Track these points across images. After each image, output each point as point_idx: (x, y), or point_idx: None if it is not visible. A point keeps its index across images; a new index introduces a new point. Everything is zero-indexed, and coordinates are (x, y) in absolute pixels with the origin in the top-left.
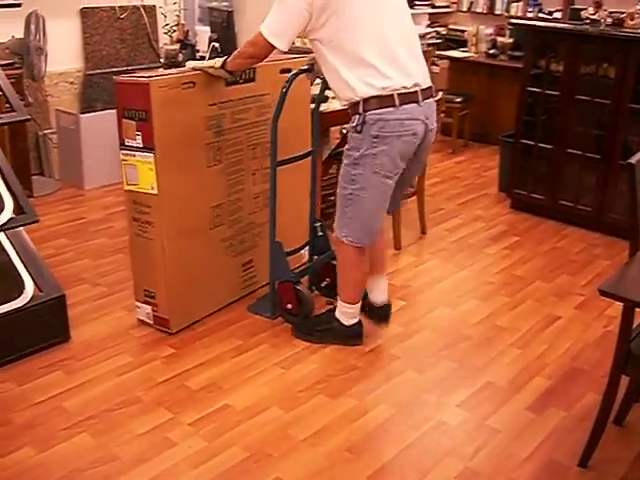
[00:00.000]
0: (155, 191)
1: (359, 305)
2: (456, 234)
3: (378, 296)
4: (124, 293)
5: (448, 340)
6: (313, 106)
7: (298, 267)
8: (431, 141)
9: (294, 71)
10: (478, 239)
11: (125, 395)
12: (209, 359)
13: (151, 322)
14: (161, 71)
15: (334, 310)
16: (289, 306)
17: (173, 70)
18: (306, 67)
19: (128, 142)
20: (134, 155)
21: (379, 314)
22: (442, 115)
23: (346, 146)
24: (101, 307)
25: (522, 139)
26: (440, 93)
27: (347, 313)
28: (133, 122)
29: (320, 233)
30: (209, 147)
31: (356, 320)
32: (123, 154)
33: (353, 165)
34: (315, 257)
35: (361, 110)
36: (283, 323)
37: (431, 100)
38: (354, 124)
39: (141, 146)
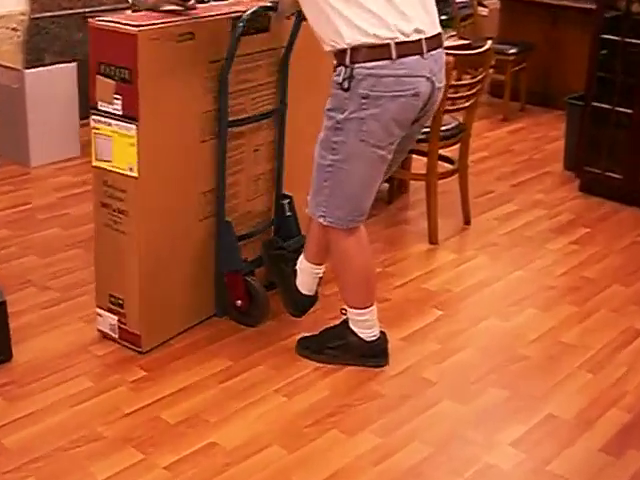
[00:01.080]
0: (135, 173)
1: (374, 310)
2: (509, 224)
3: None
4: (82, 299)
5: (498, 361)
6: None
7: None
8: (437, 102)
9: (252, 9)
10: (537, 231)
11: (83, 430)
12: (190, 384)
13: (116, 336)
14: (148, 15)
15: (349, 321)
16: (238, 303)
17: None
18: (269, 4)
19: (102, 106)
20: (109, 124)
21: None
22: (491, 71)
23: (327, 105)
24: (52, 317)
25: (595, 102)
26: (489, 42)
27: (360, 322)
28: (111, 82)
29: (288, 213)
30: (206, 116)
31: (377, 332)
32: (95, 121)
33: (335, 130)
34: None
35: (348, 61)
36: (286, 339)
37: (440, 51)
38: (339, 79)
39: (120, 113)
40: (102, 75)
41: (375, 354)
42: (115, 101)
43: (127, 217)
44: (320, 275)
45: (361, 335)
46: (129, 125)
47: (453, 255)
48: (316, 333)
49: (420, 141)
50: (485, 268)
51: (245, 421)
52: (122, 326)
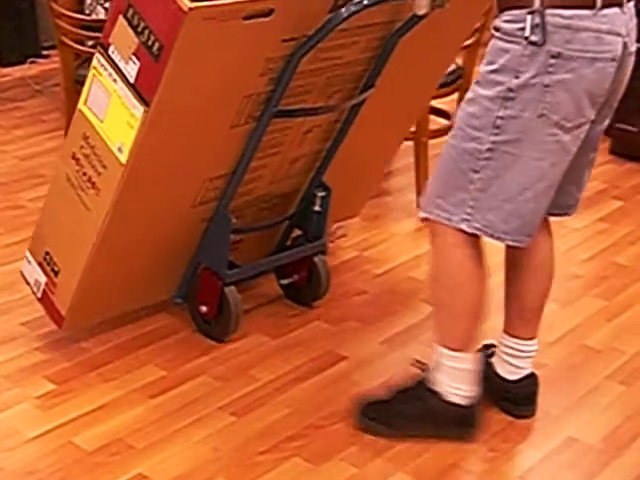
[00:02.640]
0: (123, 157)
1: (474, 357)
2: None
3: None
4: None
5: None
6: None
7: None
8: (629, 73)
9: None
10: None
11: None
12: (112, 400)
13: (38, 295)
14: None
15: (425, 381)
16: (203, 308)
17: None
18: None
19: (113, 52)
20: (114, 80)
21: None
22: None
23: (487, 65)
24: None
25: None
26: None
27: (451, 371)
28: (135, 38)
29: (317, 208)
30: (247, 100)
31: (468, 392)
32: (98, 61)
33: (503, 100)
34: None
35: (538, 4)
36: (235, 342)
37: (632, 4)
38: (519, 27)
39: (131, 81)
40: (127, 21)
41: (463, 421)
42: (131, 63)
43: (97, 196)
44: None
45: (445, 392)
46: (136, 103)
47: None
48: (384, 397)
49: None
50: (489, 252)
51: (182, 447)
52: (48, 293)
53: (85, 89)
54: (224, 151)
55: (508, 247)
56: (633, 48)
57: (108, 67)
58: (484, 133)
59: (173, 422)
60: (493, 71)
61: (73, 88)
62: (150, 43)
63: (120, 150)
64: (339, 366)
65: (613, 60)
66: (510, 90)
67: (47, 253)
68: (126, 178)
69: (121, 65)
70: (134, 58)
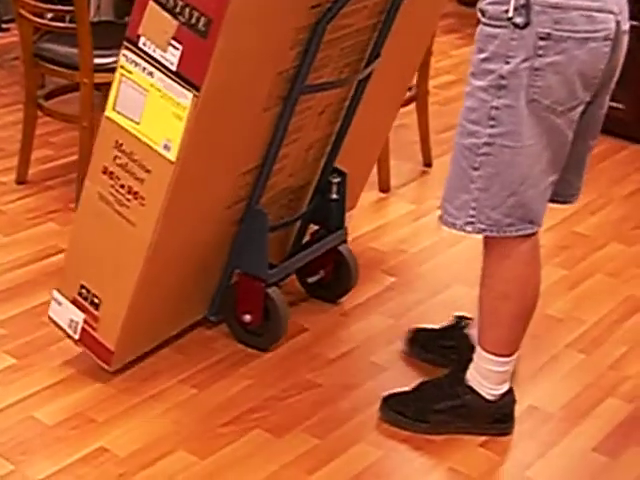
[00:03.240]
0: (171, 155)
1: (515, 360)
2: None
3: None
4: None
5: None
6: None
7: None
8: (624, 53)
9: None
10: None
11: None
12: (72, 373)
13: (75, 336)
14: None
15: (462, 372)
16: (247, 317)
17: None
18: None
19: (144, 44)
20: (150, 74)
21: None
22: None
23: (479, 54)
24: None
25: None
26: None
27: (495, 376)
28: (173, 21)
29: (334, 195)
30: (280, 78)
31: (506, 388)
32: (127, 58)
33: (497, 89)
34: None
35: None
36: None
37: None
38: (503, 9)
39: (173, 69)
40: (159, 5)
41: (502, 418)
42: (171, 49)
43: (141, 206)
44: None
45: (483, 393)
46: (183, 91)
47: (409, 206)
48: (409, 389)
49: None
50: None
51: (143, 420)
52: (88, 330)
53: (112, 93)
54: (256, 139)
55: None
56: (626, 26)
57: (141, 62)
58: (481, 127)
59: (134, 395)
60: (484, 59)
61: (32, 62)
62: (194, 21)
63: (167, 147)
64: (300, 338)
65: (607, 39)
66: (502, 77)
67: (82, 287)
68: (177, 177)
69: (157, 55)
70: (174, 43)
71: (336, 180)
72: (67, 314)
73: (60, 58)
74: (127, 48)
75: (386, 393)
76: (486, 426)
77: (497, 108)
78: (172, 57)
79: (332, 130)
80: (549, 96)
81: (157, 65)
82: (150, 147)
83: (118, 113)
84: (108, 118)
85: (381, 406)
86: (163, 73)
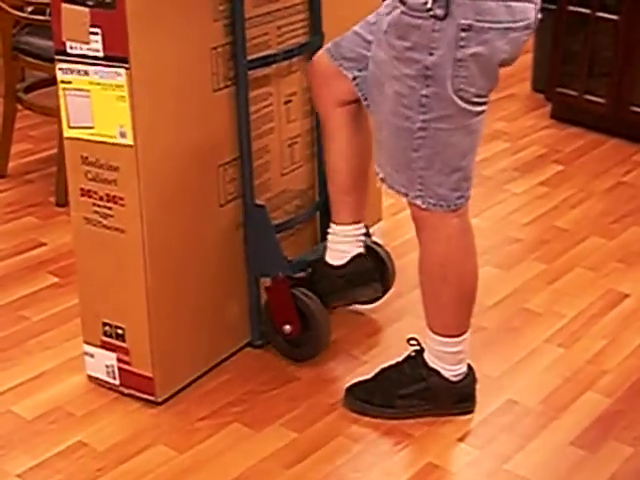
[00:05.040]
0: (129, 140)
1: (468, 338)
2: None
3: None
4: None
5: None
6: None
7: None
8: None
9: None
10: (498, 169)
11: None
12: (51, 368)
13: (116, 382)
14: None
15: (421, 353)
16: (287, 328)
17: None
18: None
19: (73, 48)
20: (86, 73)
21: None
22: None
23: (401, 41)
24: None
25: (570, 5)
26: None
27: (450, 356)
28: (84, 9)
29: None
30: (217, 54)
31: (464, 369)
32: (63, 71)
33: (423, 78)
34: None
35: None
36: None
37: None
38: (422, 1)
39: (101, 55)
40: (69, 2)
41: (465, 397)
42: (92, 38)
43: (122, 207)
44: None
45: (446, 374)
46: (116, 70)
47: (389, 200)
48: (370, 377)
49: None
50: None
51: (122, 414)
52: (124, 367)
53: (63, 113)
54: (220, 126)
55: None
56: (539, 15)
57: (75, 66)
58: (413, 112)
59: (112, 390)
60: (408, 48)
61: (11, 55)
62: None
63: (123, 135)
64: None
65: (527, 28)
66: (427, 68)
67: (105, 325)
68: (142, 161)
69: (84, 51)
70: (93, 29)
71: None
72: (101, 362)
73: (40, 51)
74: (59, 60)
75: (349, 383)
76: (450, 406)
77: (427, 96)
78: (96, 44)
79: (312, 125)
80: (473, 85)
81: (88, 61)
82: (109, 143)
83: (74, 128)
84: (68, 138)
85: (345, 396)
86: (95, 65)
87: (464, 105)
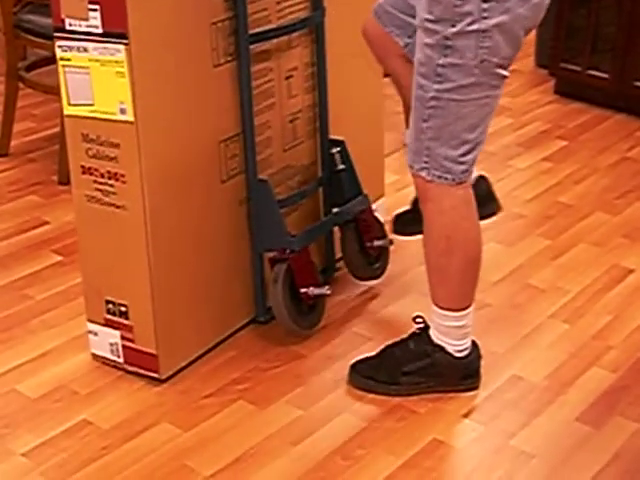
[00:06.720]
0: (129, 116)
1: (472, 312)
2: None
3: None
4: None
5: None
6: None
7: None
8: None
9: None
10: (501, 145)
11: None
12: (55, 347)
13: (120, 360)
14: None
15: (426, 330)
16: (312, 289)
17: None
18: None
19: (72, 25)
20: (85, 49)
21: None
22: None
23: (424, 14)
24: None
25: None
26: None
27: (454, 331)
28: None
29: (340, 165)
30: (217, 29)
31: (469, 344)
32: (62, 48)
33: (442, 49)
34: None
35: None
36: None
37: None
38: None
39: (100, 32)
40: None
41: (470, 373)
42: (91, 14)
43: (123, 183)
44: None
45: (450, 350)
46: (115, 46)
47: (393, 176)
48: (375, 354)
49: None
50: None
51: (126, 392)
52: (128, 345)
53: (62, 90)
54: (221, 101)
55: None
56: None
57: (73, 43)
58: (428, 81)
59: (117, 368)
60: (430, 20)
61: (13, 33)
62: None
63: (123, 111)
64: None
65: None
66: (447, 38)
67: (108, 302)
68: (143, 137)
69: (83, 28)
70: (92, 6)
71: (336, 150)
72: (105, 340)
73: (41, 29)
74: (58, 37)
75: (353, 360)
76: (455, 382)
77: (443, 66)
78: (95, 21)
79: (313, 101)
80: (497, 54)
81: (87, 37)
82: (110, 120)
83: (74, 105)
84: (68, 116)
85: (350, 373)
86: (94, 42)
87: (482, 77)
